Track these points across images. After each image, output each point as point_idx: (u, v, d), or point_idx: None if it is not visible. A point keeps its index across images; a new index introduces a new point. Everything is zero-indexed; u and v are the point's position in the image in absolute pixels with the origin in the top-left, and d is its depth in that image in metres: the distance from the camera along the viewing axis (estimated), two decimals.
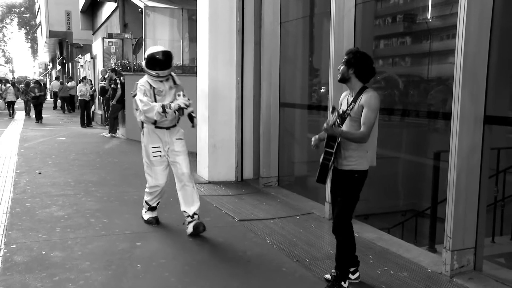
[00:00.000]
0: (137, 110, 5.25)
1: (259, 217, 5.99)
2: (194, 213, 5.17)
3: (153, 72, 5.14)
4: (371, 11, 6.24)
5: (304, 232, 5.44)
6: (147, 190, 5.49)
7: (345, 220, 3.84)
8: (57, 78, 31.06)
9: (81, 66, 25.30)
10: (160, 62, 5.14)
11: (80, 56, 26.41)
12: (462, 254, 4.27)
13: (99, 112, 19.15)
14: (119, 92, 13.44)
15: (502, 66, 4.48)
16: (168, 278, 4.06)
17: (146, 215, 5.59)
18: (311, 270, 4.31)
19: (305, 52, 7.93)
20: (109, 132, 14.11)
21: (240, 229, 5.47)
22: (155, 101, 5.11)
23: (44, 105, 20.48)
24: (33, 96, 19.42)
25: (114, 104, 13.73)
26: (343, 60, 3.79)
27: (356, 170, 3.76)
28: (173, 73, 5.41)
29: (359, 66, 3.72)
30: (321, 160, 3.81)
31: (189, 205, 5.18)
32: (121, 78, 13.56)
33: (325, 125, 3.60)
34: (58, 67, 40.13)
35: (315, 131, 7.56)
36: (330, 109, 3.77)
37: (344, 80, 3.80)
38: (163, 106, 4.96)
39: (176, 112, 5.02)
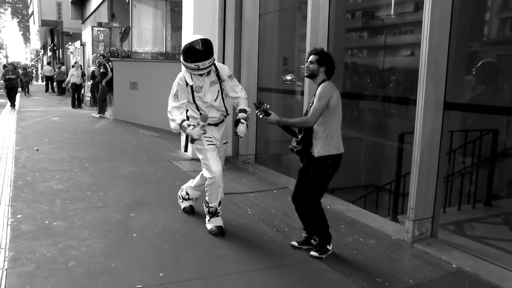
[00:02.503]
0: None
1: (240, 190, 5.92)
2: (196, 198, 4.85)
3: (191, 65, 4.05)
4: (344, 6, 6.17)
5: (281, 204, 5.39)
6: (206, 188, 4.39)
7: (312, 199, 3.86)
8: (49, 64, 30.14)
9: (71, 52, 24.52)
10: (200, 54, 4.03)
11: (70, 43, 25.61)
12: (422, 223, 4.32)
13: (88, 94, 18.64)
14: (110, 74, 13.08)
15: (458, 59, 4.50)
16: (162, 246, 3.97)
17: (210, 224, 4.40)
18: (290, 238, 4.27)
19: (281, 42, 7.82)
20: (98, 113, 13.73)
21: (224, 202, 5.31)
22: (193, 98, 4.19)
23: (34, 88, 18.77)
24: (5, 79, 16.66)
25: (103, 87, 13.38)
26: (313, 59, 3.77)
27: (327, 155, 3.73)
28: (218, 64, 4.32)
29: (329, 64, 3.77)
30: (290, 146, 3.90)
31: (197, 191, 4.77)
32: (110, 63, 13.19)
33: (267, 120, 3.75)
34: (49, 54, 38.89)
35: (288, 113, 7.54)
36: (256, 105, 3.81)
37: (313, 76, 3.79)
38: (181, 125, 4.11)
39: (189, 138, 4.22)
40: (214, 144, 4.29)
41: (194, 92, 4.17)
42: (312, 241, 4.02)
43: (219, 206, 4.40)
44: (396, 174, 5.30)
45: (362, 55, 7.77)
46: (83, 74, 17.66)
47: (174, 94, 4.19)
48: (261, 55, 7.50)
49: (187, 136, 4.40)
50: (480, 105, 4.83)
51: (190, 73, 4.16)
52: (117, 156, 7.80)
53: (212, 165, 4.22)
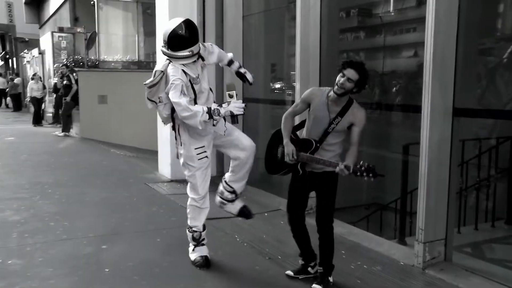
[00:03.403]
0: (151, 101, 4.09)
1: (226, 215, 5.87)
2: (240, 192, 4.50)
3: (185, 53, 3.83)
4: (337, 3, 6.27)
5: (273, 229, 5.41)
6: (188, 210, 4.39)
7: (332, 218, 3.90)
8: (1, 75, 29.89)
9: (28, 61, 24.42)
10: (187, 39, 3.84)
11: (26, 51, 25.49)
12: (433, 245, 4.34)
13: (50, 110, 18.56)
14: (74, 88, 13.05)
15: (468, 59, 4.57)
16: (138, 282, 3.95)
17: (194, 254, 4.36)
18: (284, 267, 4.26)
19: (268, 46, 7.88)
20: (62, 131, 13.64)
21: (208, 228, 5.30)
22: (194, 92, 3.96)
23: None
24: None
25: (67, 102, 13.32)
26: (355, 78, 3.56)
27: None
28: (200, 44, 4.05)
29: (362, 87, 3.68)
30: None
31: (240, 181, 4.43)
32: (74, 74, 13.18)
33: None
34: (1, 63, 38.60)
35: (278, 126, 7.52)
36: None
37: (345, 94, 3.66)
38: (209, 112, 3.77)
39: (225, 118, 4.00)
40: (206, 156, 4.18)
41: (193, 85, 3.96)
42: (309, 269, 4.03)
43: (203, 230, 4.39)
44: (402, 190, 5.34)
45: (359, 58, 7.88)
46: (43, 87, 17.60)
47: (181, 91, 3.81)
48: (246, 61, 7.54)
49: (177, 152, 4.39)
50: (494, 110, 4.90)
51: (182, 64, 3.91)
52: (86, 180, 7.76)
53: (199, 186, 4.22)
